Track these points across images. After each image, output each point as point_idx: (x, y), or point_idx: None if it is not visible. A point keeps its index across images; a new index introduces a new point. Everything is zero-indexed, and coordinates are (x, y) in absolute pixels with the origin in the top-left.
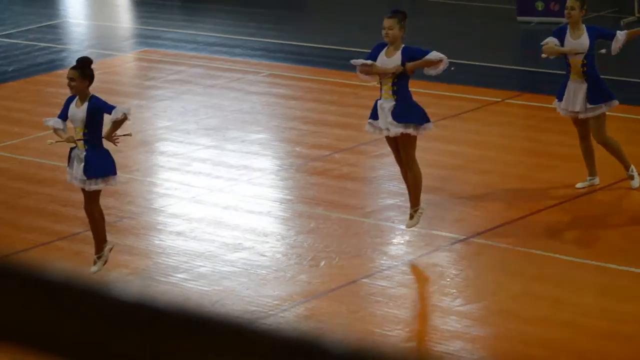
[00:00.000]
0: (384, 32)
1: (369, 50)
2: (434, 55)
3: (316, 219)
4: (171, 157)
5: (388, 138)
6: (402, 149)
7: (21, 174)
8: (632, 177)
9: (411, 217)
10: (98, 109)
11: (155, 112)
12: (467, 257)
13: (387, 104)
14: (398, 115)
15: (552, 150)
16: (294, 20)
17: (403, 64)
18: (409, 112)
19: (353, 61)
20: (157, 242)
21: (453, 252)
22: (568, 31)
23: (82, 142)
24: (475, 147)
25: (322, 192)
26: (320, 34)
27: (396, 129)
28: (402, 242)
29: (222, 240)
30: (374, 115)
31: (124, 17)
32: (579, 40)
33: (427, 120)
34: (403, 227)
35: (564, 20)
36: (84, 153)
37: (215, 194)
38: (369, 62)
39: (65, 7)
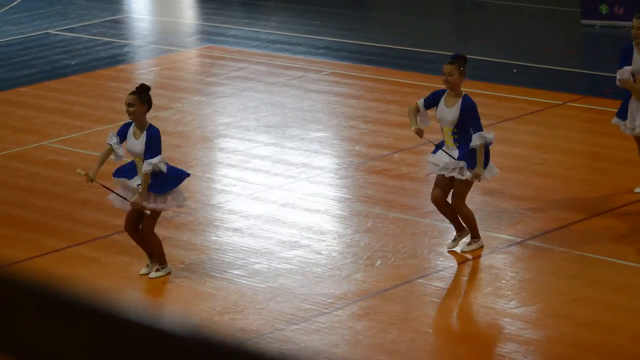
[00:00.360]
0: (443, 78)
1: (431, 51)
2: (475, 142)
3: (373, 218)
4: (230, 154)
5: (442, 176)
6: (457, 191)
7: (81, 167)
8: None
9: (455, 240)
10: (154, 138)
11: (216, 109)
12: (524, 259)
13: (450, 152)
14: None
15: (612, 154)
16: (357, 19)
17: (461, 115)
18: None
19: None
20: (213, 238)
21: (509, 255)
22: (635, 50)
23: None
24: (536, 150)
25: (380, 192)
26: (383, 34)
27: (461, 174)
28: (460, 243)
29: (279, 238)
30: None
31: (188, 13)
32: None
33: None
34: None
35: (628, 24)
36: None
37: (274, 192)
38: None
39: (129, 2)
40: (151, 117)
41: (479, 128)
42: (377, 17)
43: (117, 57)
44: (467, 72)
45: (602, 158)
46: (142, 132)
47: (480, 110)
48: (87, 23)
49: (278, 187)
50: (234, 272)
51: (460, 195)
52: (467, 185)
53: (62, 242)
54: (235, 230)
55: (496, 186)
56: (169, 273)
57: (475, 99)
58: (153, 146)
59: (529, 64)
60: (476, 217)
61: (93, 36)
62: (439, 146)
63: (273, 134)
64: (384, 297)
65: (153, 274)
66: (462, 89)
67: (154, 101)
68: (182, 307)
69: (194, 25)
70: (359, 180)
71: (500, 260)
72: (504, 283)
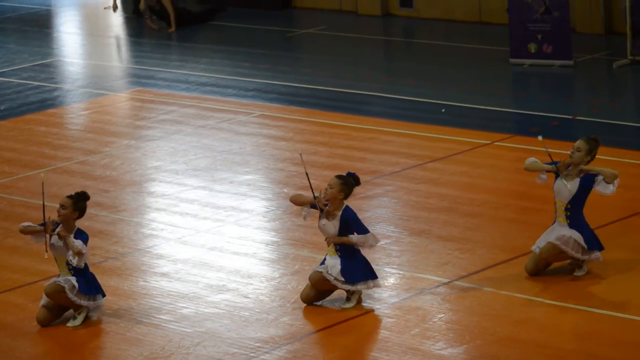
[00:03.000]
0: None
1: (361, 92)
2: (356, 238)
3: (301, 260)
4: (159, 198)
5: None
6: None
7: (9, 213)
8: None
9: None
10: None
11: (145, 152)
12: (451, 300)
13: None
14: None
15: (541, 193)
16: (288, 60)
17: (341, 228)
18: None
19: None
20: (141, 283)
21: (437, 295)
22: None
23: (68, 270)
24: (464, 190)
25: (308, 234)
26: (313, 75)
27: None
28: (387, 284)
29: (207, 282)
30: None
31: (118, 56)
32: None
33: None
34: (387, 269)
35: (556, 62)
36: (75, 278)
37: (202, 235)
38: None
39: (60, 45)
40: (80, 161)
41: None
42: (307, 59)
43: (46, 102)
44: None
45: (530, 198)
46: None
47: (407, 150)
48: (17, 67)
49: (206, 230)
50: (162, 317)
51: None
52: None
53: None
54: (162, 275)
55: (423, 227)
56: (87, 316)
57: (403, 140)
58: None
59: (457, 104)
60: (403, 258)
61: (23, 80)
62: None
63: (202, 177)
64: (312, 340)
65: (70, 323)
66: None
67: (83, 145)
68: (109, 353)
69: (124, 68)
70: (287, 222)
71: (428, 301)
72: (431, 324)
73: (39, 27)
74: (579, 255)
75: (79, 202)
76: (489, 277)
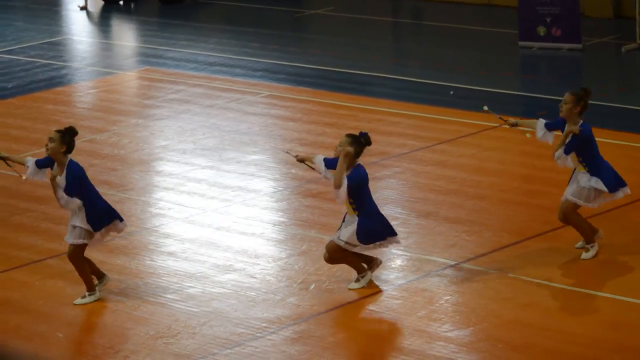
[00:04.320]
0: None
1: (368, 73)
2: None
3: (309, 241)
4: (166, 177)
5: None
6: None
7: (17, 191)
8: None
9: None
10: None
11: (153, 131)
12: (457, 282)
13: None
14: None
15: (547, 176)
16: (296, 41)
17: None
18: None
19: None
20: (148, 262)
21: (443, 278)
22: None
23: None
24: (472, 172)
25: (316, 215)
26: (321, 56)
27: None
28: (393, 266)
29: (213, 262)
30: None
31: (127, 35)
32: None
33: None
34: (394, 251)
35: (565, 46)
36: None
37: (209, 215)
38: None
39: (68, 24)
40: (88, 140)
41: None
42: (315, 39)
43: (55, 80)
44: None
45: (536, 180)
46: (63, 170)
47: (416, 132)
48: (25, 45)
49: (213, 210)
50: (168, 296)
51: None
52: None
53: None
54: (169, 254)
55: (431, 209)
56: (97, 299)
57: (411, 122)
58: (73, 185)
59: (465, 86)
60: (410, 240)
61: (31, 58)
62: None
63: (210, 157)
64: (318, 321)
65: (78, 300)
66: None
67: (91, 124)
68: (116, 331)
69: (132, 47)
70: (295, 203)
71: (434, 283)
72: (437, 306)
73: (47, 4)
74: (596, 205)
75: (66, 135)
76: (495, 260)
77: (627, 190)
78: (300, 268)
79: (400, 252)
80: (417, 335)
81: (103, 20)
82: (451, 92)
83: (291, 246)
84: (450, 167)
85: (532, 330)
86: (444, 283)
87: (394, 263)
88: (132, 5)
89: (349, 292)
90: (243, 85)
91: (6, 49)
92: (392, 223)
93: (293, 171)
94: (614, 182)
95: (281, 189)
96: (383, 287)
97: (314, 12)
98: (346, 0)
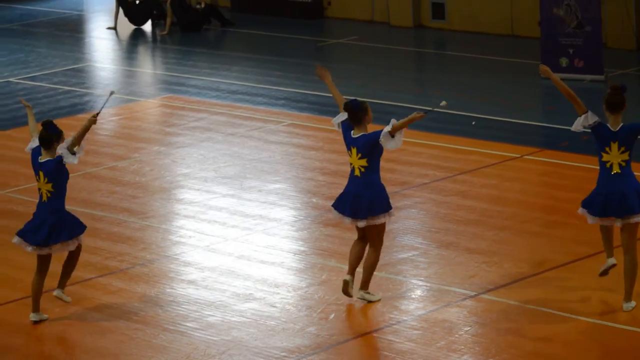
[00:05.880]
0: None
1: (390, 103)
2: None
3: (329, 271)
4: (187, 205)
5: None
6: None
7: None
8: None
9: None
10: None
11: (174, 159)
12: (477, 313)
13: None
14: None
15: (568, 207)
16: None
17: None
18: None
19: None
20: (168, 290)
21: (463, 308)
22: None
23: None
24: (492, 202)
25: (336, 244)
26: (344, 85)
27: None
28: (413, 297)
29: (234, 290)
30: None
31: (149, 62)
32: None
33: None
34: (414, 281)
35: (587, 77)
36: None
37: (230, 243)
38: None
39: (91, 51)
40: (110, 167)
41: None
42: (338, 69)
43: (77, 106)
44: None
45: (557, 211)
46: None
47: (437, 162)
48: (49, 72)
49: (234, 239)
50: (188, 324)
51: None
52: None
53: (16, 293)
54: (190, 282)
55: (451, 239)
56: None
57: (433, 152)
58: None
59: (487, 117)
60: (430, 270)
61: (54, 85)
62: None
63: (231, 185)
64: (337, 350)
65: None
66: None
67: (113, 151)
68: (135, 359)
69: (154, 74)
70: (315, 232)
71: (454, 314)
72: (457, 337)
73: (70, 31)
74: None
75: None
76: (516, 291)
77: None
78: (320, 297)
79: (420, 283)
80: None
81: (126, 47)
82: (473, 123)
83: (311, 275)
84: (471, 198)
85: None
86: (464, 314)
87: (414, 293)
88: (157, 31)
89: (368, 322)
90: (265, 113)
91: (29, 75)
92: (413, 253)
93: (314, 200)
94: None
95: (302, 217)
96: (403, 317)
97: (337, 41)
98: (369, 29)
